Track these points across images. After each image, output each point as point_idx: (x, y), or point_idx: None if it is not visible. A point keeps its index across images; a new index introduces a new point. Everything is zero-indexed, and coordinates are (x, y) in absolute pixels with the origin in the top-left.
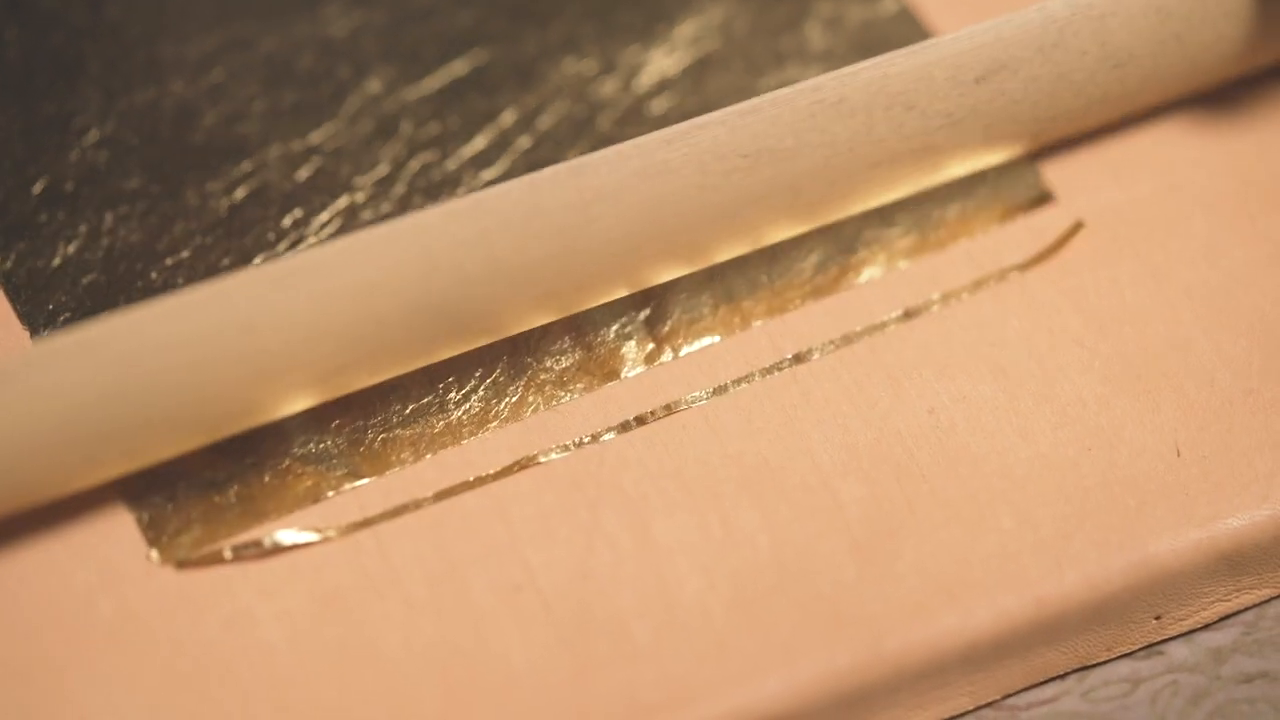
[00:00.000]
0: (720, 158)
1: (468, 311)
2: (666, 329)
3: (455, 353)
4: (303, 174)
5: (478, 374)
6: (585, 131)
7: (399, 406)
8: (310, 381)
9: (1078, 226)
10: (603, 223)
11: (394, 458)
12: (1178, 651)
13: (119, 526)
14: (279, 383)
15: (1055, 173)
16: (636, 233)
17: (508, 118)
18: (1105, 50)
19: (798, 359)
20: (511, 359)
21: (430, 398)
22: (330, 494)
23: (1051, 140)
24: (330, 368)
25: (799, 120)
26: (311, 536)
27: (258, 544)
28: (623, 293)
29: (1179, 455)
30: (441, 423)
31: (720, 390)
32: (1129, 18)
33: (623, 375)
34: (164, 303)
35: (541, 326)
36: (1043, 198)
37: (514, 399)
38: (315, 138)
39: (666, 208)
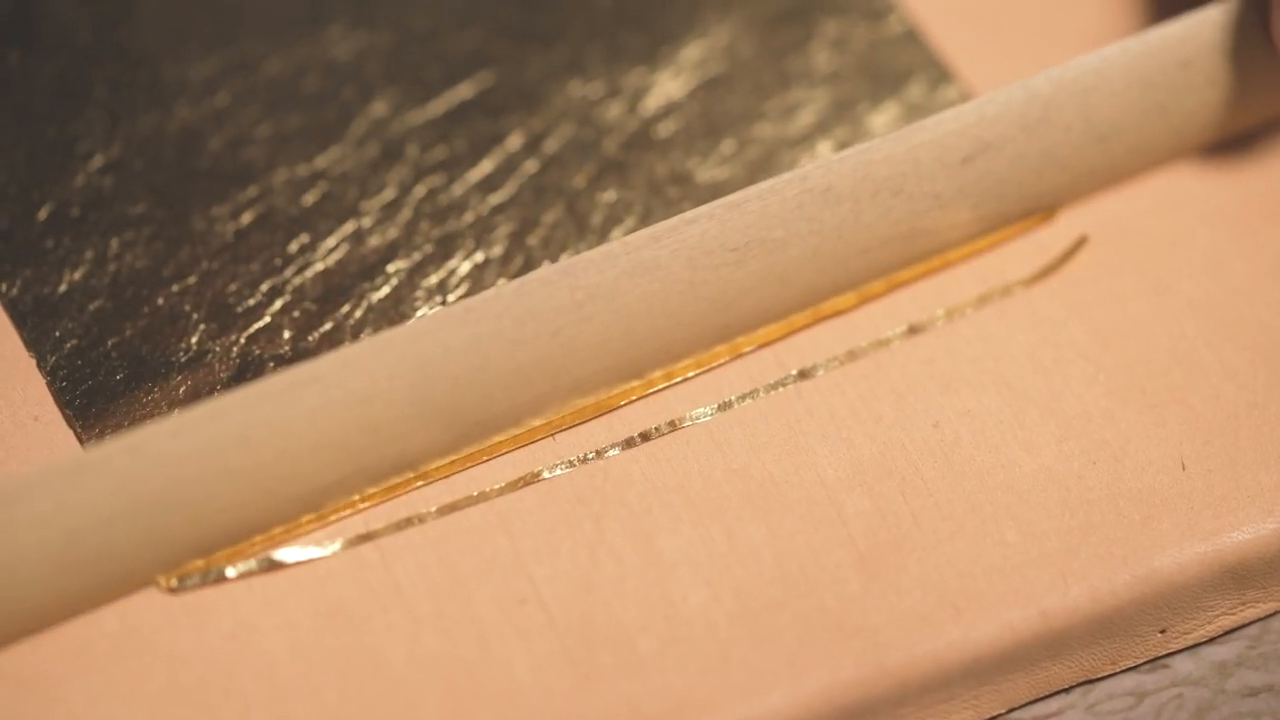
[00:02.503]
0: (708, 252)
1: (463, 419)
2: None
3: (451, 458)
4: (309, 198)
5: None
6: (591, 154)
7: None
8: (307, 493)
9: (1082, 241)
10: (596, 322)
11: (400, 487)
12: (1183, 665)
13: None
14: (276, 496)
15: None
16: (629, 331)
17: (514, 141)
18: (1089, 125)
19: (802, 375)
20: None
21: None
22: (335, 518)
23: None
24: (327, 480)
25: (787, 211)
26: (315, 553)
27: (262, 563)
28: (619, 389)
29: (1184, 469)
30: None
31: (725, 406)
32: (1112, 92)
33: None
34: (159, 424)
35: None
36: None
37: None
38: (321, 162)
39: (657, 305)
